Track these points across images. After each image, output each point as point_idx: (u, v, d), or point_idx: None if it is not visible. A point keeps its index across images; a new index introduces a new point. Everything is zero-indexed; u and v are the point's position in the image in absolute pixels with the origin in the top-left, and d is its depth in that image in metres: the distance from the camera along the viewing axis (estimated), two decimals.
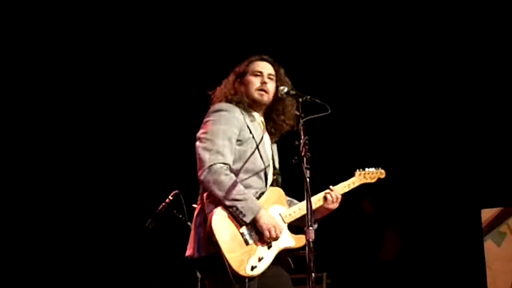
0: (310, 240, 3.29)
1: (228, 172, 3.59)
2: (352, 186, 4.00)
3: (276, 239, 3.59)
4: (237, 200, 3.52)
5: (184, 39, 7.96)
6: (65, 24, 7.75)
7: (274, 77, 3.91)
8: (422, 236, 7.82)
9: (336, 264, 7.38)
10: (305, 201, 3.40)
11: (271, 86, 3.87)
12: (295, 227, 3.75)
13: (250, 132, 3.76)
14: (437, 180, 7.71)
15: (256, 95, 3.84)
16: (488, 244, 5.73)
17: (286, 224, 3.73)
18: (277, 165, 3.92)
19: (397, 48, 7.73)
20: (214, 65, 7.51)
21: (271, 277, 3.65)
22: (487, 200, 6.19)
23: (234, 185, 3.54)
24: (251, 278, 3.52)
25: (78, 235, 8.09)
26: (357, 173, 4.07)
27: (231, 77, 3.95)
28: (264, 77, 3.87)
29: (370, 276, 8.06)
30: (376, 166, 4.17)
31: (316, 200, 3.81)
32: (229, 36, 7.74)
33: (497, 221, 5.75)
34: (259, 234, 3.56)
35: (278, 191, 3.82)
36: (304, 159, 3.40)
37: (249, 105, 3.85)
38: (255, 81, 3.85)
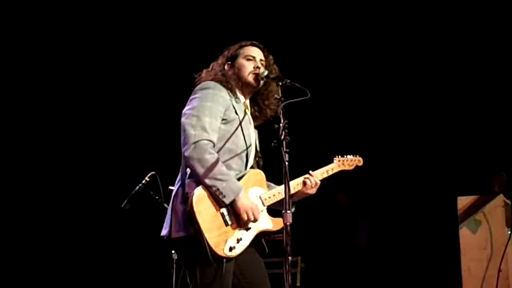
0: (288, 224, 3.28)
1: (213, 151, 3.55)
2: (330, 173, 4.01)
3: (255, 221, 3.58)
4: (219, 180, 3.49)
5: (165, 22, 7.91)
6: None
7: (264, 63, 3.91)
8: (399, 223, 7.87)
9: (310, 248, 7.41)
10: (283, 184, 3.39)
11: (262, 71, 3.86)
12: (274, 210, 3.73)
13: (236, 113, 3.74)
14: (415, 168, 7.75)
15: (250, 78, 3.82)
16: (464, 231, 5.77)
17: (265, 207, 3.72)
18: (258, 149, 3.90)
19: (375, 34, 7.74)
20: (191, 49, 7.54)
21: (247, 262, 3.66)
22: (464, 188, 6.23)
23: (217, 164, 3.50)
24: (228, 259, 3.51)
25: (54, 216, 8.05)
26: (336, 159, 4.08)
27: (221, 60, 3.92)
28: (256, 62, 3.86)
29: (344, 261, 8.11)
30: (353, 154, 4.18)
31: (296, 185, 3.82)
32: (210, 21, 7.71)
33: (473, 209, 5.78)
34: (238, 215, 3.54)
35: (259, 173, 3.79)
36: (284, 142, 3.39)
37: (237, 87, 3.84)
38: (248, 65, 3.84)
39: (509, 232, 5.56)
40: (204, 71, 3.92)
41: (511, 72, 7.23)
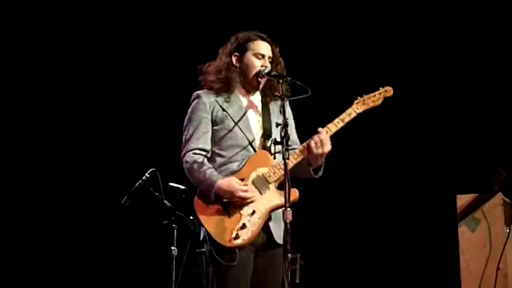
0: (288, 221, 3.28)
1: (191, 158, 3.74)
2: (348, 119, 3.76)
3: (244, 199, 3.59)
4: (200, 183, 3.69)
5: (164, 18, 7.91)
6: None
7: (271, 60, 3.90)
8: (398, 221, 7.87)
9: (310, 245, 7.42)
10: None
11: None
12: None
13: (224, 110, 3.80)
14: (414, 167, 7.76)
15: (253, 79, 3.85)
16: (463, 230, 5.77)
17: (272, 183, 3.69)
18: (273, 132, 3.81)
19: (375, 31, 7.74)
20: (190, 44, 7.53)
21: (265, 262, 3.71)
22: (463, 186, 6.24)
23: (194, 167, 3.71)
24: (240, 247, 3.56)
25: (54, 212, 8.05)
26: (355, 101, 3.81)
27: (229, 47, 3.92)
28: (265, 61, 3.86)
29: (343, 258, 8.11)
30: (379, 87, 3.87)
31: (299, 152, 3.68)
32: (210, 17, 7.71)
33: (472, 207, 5.79)
34: (230, 203, 3.63)
35: (262, 153, 3.78)
36: (284, 140, 3.41)
37: (240, 83, 3.88)
38: (256, 64, 3.84)
39: (508, 230, 5.57)
40: (212, 65, 3.93)
41: (510, 71, 7.24)
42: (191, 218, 4.93)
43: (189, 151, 3.76)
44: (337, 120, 3.75)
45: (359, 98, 3.83)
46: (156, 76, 8.03)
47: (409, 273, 7.57)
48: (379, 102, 3.86)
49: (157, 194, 5.05)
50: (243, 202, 3.61)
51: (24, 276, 7.79)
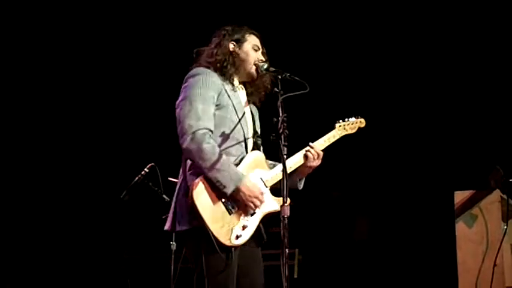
0: (285, 216, 3.27)
1: (210, 140, 3.51)
2: (332, 140, 3.96)
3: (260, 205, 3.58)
4: (218, 171, 3.45)
5: (159, 13, 7.92)
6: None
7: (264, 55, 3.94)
8: (396, 217, 7.90)
9: (308, 241, 7.44)
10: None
11: None
12: (276, 189, 3.68)
13: (229, 97, 3.72)
14: (412, 163, 7.78)
15: (252, 69, 3.85)
16: (460, 226, 5.80)
17: (268, 188, 3.71)
18: (258, 129, 3.90)
19: (371, 27, 7.75)
20: (187, 38, 7.52)
21: (248, 256, 3.67)
22: (460, 182, 6.26)
23: (215, 154, 3.47)
24: (236, 248, 3.52)
25: (53, 207, 8.06)
26: (337, 125, 4.03)
27: (228, 36, 3.89)
28: (260, 54, 3.89)
29: (341, 253, 8.14)
30: (355, 116, 4.14)
31: (297, 160, 3.79)
32: (205, 13, 7.71)
33: (469, 204, 5.81)
34: (241, 203, 3.53)
35: (258, 155, 3.77)
36: (282, 136, 3.38)
37: (236, 72, 3.85)
38: (253, 56, 3.86)
39: (505, 227, 5.59)
40: (207, 49, 3.89)
41: (507, 69, 7.25)
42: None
43: (205, 129, 3.52)
44: (324, 139, 3.94)
45: (340, 121, 4.06)
46: (155, 71, 8.03)
47: (407, 268, 7.60)
48: (355, 130, 4.11)
49: (156, 188, 5.08)
50: (255, 207, 3.55)
51: (23, 270, 7.81)
